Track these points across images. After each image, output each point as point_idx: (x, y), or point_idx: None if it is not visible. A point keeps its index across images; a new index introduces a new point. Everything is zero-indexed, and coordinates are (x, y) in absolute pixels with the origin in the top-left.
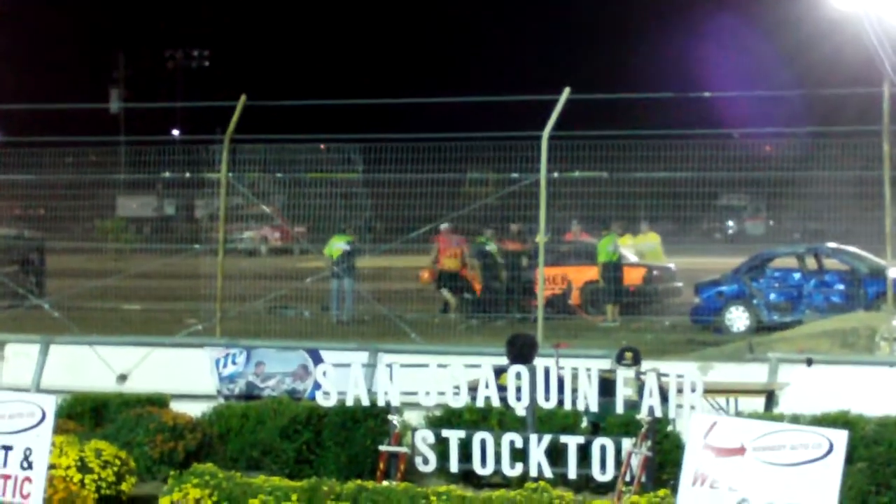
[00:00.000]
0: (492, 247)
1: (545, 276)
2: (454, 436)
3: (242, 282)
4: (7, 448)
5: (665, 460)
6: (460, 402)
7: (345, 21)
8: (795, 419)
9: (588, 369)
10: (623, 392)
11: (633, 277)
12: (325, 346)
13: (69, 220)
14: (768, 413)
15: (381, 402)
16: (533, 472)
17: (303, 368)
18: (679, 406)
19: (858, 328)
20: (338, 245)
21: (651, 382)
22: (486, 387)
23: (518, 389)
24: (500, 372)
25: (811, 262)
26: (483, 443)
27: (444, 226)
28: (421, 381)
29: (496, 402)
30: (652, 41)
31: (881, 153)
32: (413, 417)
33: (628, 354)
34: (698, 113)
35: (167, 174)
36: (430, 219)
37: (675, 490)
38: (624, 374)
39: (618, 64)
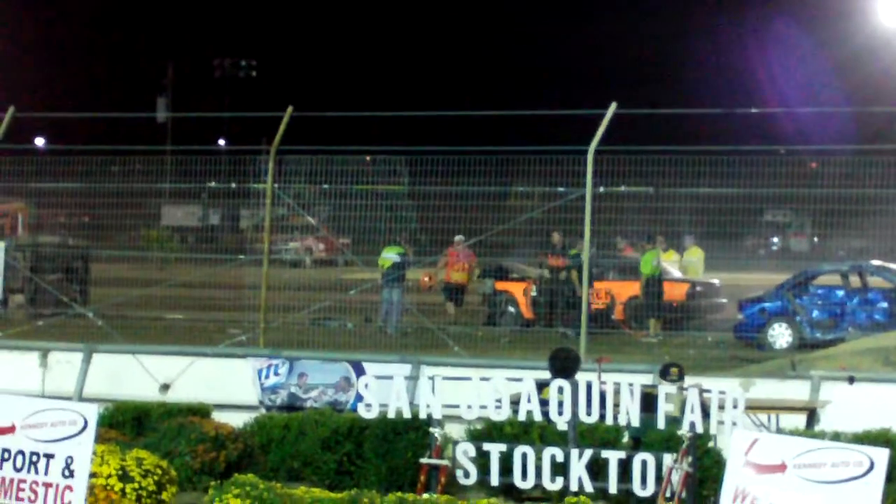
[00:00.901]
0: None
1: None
2: (495, 449)
3: (286, 293)
4: (49, 456)
5: (705, 476)
6: (502, 415)
7: (392, 33)
8: (837, 437)
9: (630, 384)
10: (665, 407)
11: (676, 293)
12: (367, 357)
13: (114, 228)
14: (809, 430)
15: (422, 415)
16: (574, 487)
17: (345, 380)
18: (720, 422)
19: None
20: (388, 256)
21: (693, 398)
22: (528, 401)
23: (560, 404)
24: (542, 386)
25: (855, 280)
26: (524, 456)
27: (457, 238)
28: (463, 394)
29: (538, 416)
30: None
31: None
32: (454, 430)
33: (674, 370)
34: (745, 129)
35: (213, 184)
36: (475, 232)
37: None
38: (666, 390)
39: (665, 79)
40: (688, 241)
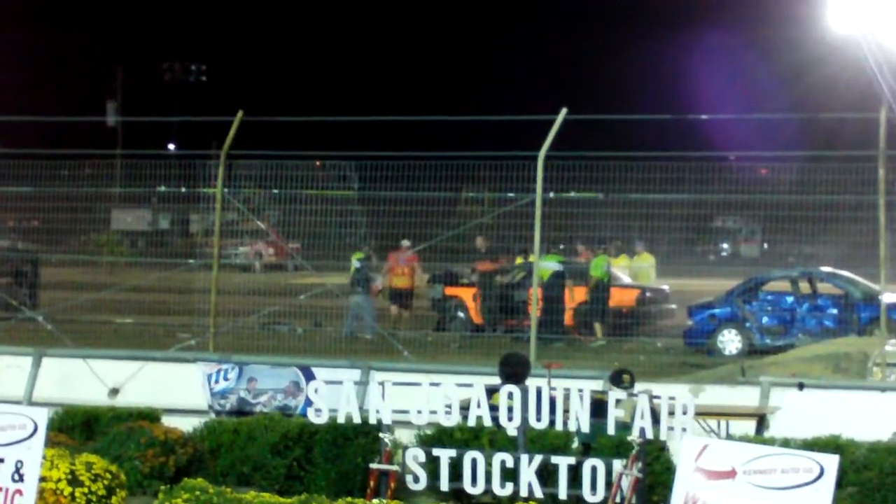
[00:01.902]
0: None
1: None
2: (445, 455)
3: (236, 297)
4: None
5: (656, 482)
6: (452, 420)
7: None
8: (786, 443)
9: (580, 390)
10: (615, 413)
11: (626, 298)
12: (317, 362)
13: (64, 232)
14: (759, 437)
15: (372, 420)
16: (523, 493)
17: (294, 385)
18: (670, 428)
19: (851, 353)
20: (355, 262)
21: (643, 404)
22: (478, 406)
23: (510, 409)
24: (492, 391)
25: (805, 286)
26: (474, 462)
27: (403, 242)
28: (413, 399)
29: (488, 422)
30: (650, 63)
31: (877, 178)
32: (404, 436)
33: (626, 377)
34: (695, 135)
35: (162, 188)
36: (425, 237)
37: None
38: (616, 396)
39: (615, 86)
40: (639, 246)
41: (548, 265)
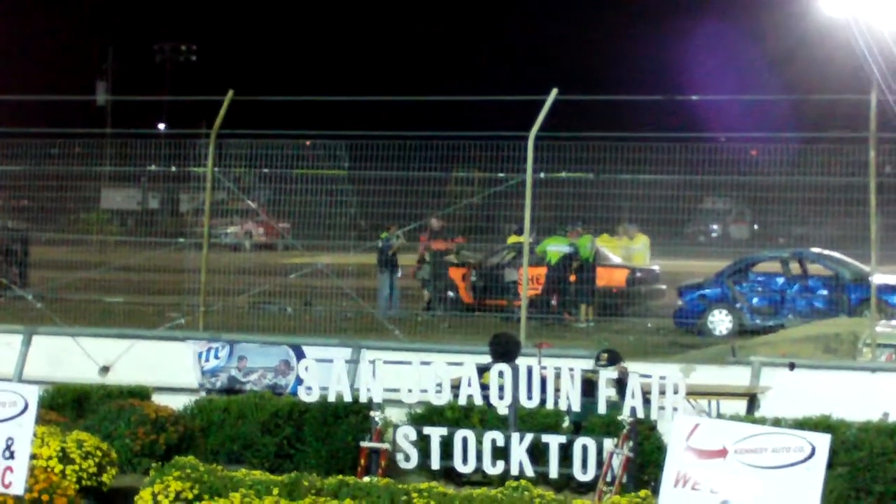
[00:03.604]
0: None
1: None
2: (436, 433)
3: (226, 276)
4: None
5: (646, 461)
6: (442, 399)
7: (333, 18)
8: (777, 423)
9: (571, 369)
10: (605, 393)
11: (616, 279)
12: (307, 341)
13: (53, 211)
14: (750, 416)
15: (363, 399)
16: (514, 471)
17: (285, 364)
18: (661, 408)
19: (841, 334)
20: (380, 242)
21: (633, 383)
22: (469, 385)
23: (500, 388)
24: (482, 370)
25: (795, 267)
26: (465, 441)
27: (434, 223)
28: (403, 378)
29: (478, 401)
30: (641, 44)
31: (868, 159)
32: (395, 414)
33: (603, 356)
34: (685, 116)
35: (152, 167)
36: (414, 217)
37: (655, 491)
38: (606, 375)
39: (606, 66)
40: (632, 228)
41: (557, 248)
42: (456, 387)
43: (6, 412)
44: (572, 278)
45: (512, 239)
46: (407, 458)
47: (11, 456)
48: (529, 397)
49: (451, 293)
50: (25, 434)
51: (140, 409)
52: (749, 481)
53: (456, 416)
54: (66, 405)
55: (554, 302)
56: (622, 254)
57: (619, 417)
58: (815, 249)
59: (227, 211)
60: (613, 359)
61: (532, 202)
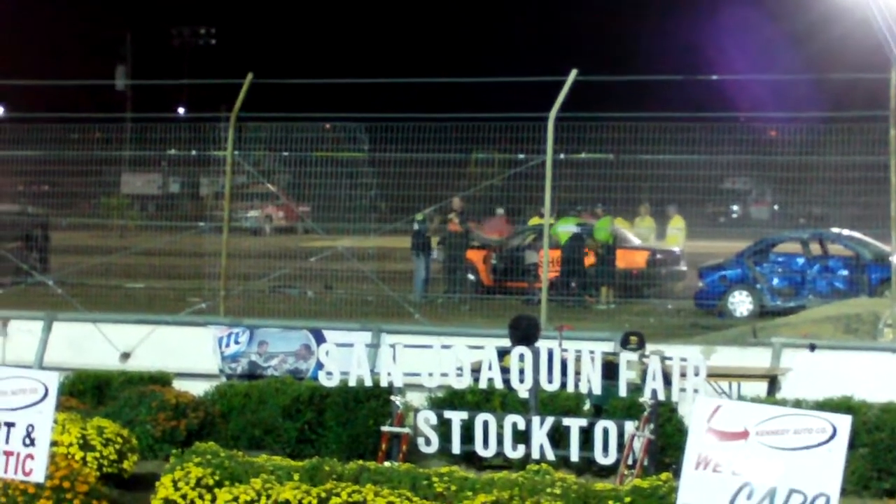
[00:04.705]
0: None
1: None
2: (456, 417)
3: (246, 260)
4: (10, 425)
5: (668, 444)
6: (463, 383)
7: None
8: (798, 404)
9: (591, 352)
10: (626, 375)
11: (636, 261)
12: (327, 325)
13: (73, 196)
14: (771, 398)
15: (383, 383)
16: (535, 455)
17: (305, 348)
18: (682, 390)
19: (862, 314)
20: (415, 225)
21: (654, 366)
22: (489, 368)
23: (521, 371)
24: (503, 353)
25: (815, 248)
26: (485, 424)
27: (499, 211)
28: (424, 361)
29: (499, 384)
30: (660, 23)
31: (888, 138)
32: (415, 398)
33: (633, 339)
34: (705, 96)
35: (172, 152)
36: (435, 199)
37: (677, 474)
38: (627, 358)
39: (625, 46)
40: (671, 210)
41: (566, 228)
42: (476, 370)
43: (26, 399)
44: (587, 261)
45: (534, 221)
46: (428, 443)
47: (32, 443)
48: (550, 380)
49: (471, 276)
50: (45, 421)
51: (161, 395)
52: (770, 463)
53: (476, 399)
54: (86, 391)
55: (572, 283)
56: (654, 235)
57: (640, 400)
58: (836, 229)
59: (247, 195)
60: (642, 342)
61: (552, 183)
